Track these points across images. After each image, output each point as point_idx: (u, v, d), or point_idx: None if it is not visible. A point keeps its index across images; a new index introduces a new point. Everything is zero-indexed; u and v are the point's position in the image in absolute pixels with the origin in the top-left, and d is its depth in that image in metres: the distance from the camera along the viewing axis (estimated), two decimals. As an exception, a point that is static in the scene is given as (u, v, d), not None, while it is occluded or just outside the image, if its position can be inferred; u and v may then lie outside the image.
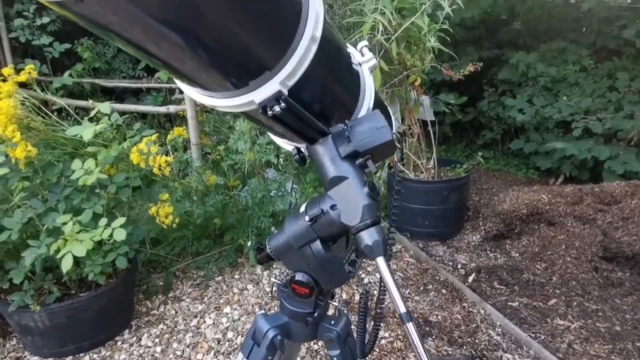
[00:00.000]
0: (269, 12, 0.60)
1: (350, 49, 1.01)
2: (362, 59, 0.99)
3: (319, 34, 0.68)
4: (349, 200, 0.83)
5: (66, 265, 1.50)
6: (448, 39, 2.59)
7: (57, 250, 1.54)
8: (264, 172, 2.79)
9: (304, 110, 0.78)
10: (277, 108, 0.69)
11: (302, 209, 0.89)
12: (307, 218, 0.84)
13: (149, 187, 2.20)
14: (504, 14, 4.85)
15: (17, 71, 1.92)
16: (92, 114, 1.91)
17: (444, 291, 2.37)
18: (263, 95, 0.68)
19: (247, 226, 2.46)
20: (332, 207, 0.85)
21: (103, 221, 1.65)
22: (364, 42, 1.03)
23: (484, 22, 4.93)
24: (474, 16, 4.28)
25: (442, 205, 2.85)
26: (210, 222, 2.55)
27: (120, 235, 1.60)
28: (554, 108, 3.87)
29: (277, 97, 0.68)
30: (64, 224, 1.57)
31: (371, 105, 0.98)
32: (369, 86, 0.98)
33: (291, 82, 0.69)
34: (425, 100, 3.44)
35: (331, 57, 0.81)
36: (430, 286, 2.43)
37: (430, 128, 3.00)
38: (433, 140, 2.99)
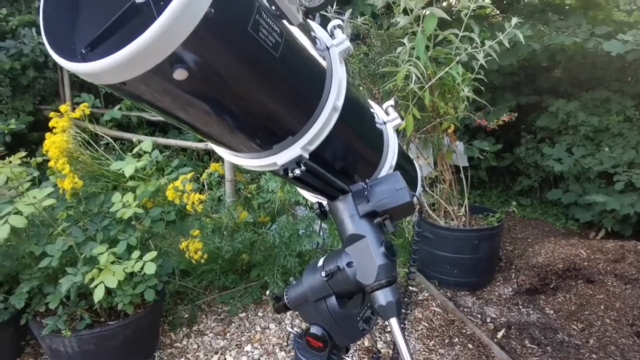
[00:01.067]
0: (294, 85, 0.65)
1: (375, 108, 1.06)
2: (387, 117, 1.03)
3: (340, 103, 0.73)
4: (365, 259, 0.85)
5: (98, 295, 1.57)
6: (483, 88, 2.61)
7: (92, 280, 1.61)
8: (293, 210, 2.84)
9: (324, 171, 0.82)
10: (297, 171, 0.72)
11: (320, 262, 0.92)
12: (323, 274, 0.86)
13: (182, 220, 2.29)
14: (544, 62, 4.82)
15: (73, 107, 2.08)
16: (135, 150, 2.03)
17: (470, 346, 2.28)
18: (285, 159, 0.73)
19: (273, 264, 2.49)
20: (349, 264, 0.87)
21: (136, 254, 1.73)
22: (390, 102, 1.07)
23: (523, 69, 4.91)
24: (513, 63, 4.28)
25: (472, 254, 2.78)
26: (238, 257, 2.60)
27: (151, 269, 1.67)
28: (595, 159, 3.75)
29: (298, 161, 0.72)
30: (100, 254, 1.66)
31: (394, 162, 1.01)
32: (392, 144, 1.01)
33: (313, 147, 0.73)
34: (459, 146, 3.43)
35: (354, 120, 0.85)
36: (456, 339, 2.34)
37: (462, 174, 2.98)
38: (465, 187, 2.95)
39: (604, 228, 3.72)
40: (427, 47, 2.40)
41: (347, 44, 0.74)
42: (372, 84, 2.49)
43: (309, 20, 0.78)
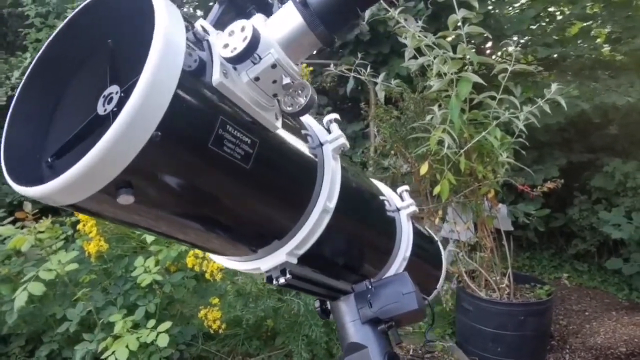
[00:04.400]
0: (273, 191, 0.60)
1: (387, 193, 0.98)
2: (401, 204, 0.95)
3: (332, 204, 0.66)
4: (366, 374, 0.75)
5: (108, 367, 1.53)
6: (524, 152, 2.47)
7: (105, 348, 1.58)
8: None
9: (321, 273, 0.75)
10: (282, 280, 0.66)
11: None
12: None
13: (205, 282, 2.25)
14: (596, 119, 4.57)
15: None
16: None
17: None
18: (269, 265, 0.66)
19: (298, 333, 2.37)
20: (348, 377, 0.77)
21: (151, 323, 1.69)
22: (405, 187, 0.99)
23: (573, 125, 4.66)
24: (560, 121, 4.08)
25: (517, 331, 2.52)
26: (262, 323, 2.51)
27: (164, 341, 1.61)
28: (659, 225, 3.40)
29: (282, 269, 0.65)
30: (116, 322, 1.63)
31: (408, 254, 0.91)
32: (405, 233, 0.92)
33: (302, 251, 0.67)
34: (502, 209, 3.24)
35: (356, 214, 0.78)
36: None
37: (505, 240, 2.77)
38: (508, 254, 2.73)
39: (675, 304, 3.30)
40: (462, 110, 2.32)
41: (342, 140, 0.68)
42: (404, 147, 2.43)
43: (304, 117, 0.74)
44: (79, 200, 0.43)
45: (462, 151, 2.24)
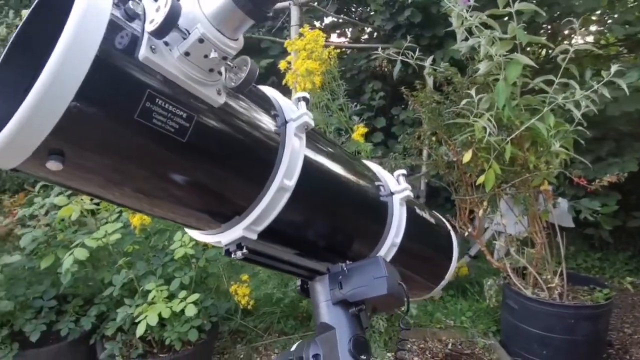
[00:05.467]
0: (220, 166, 0.61)
1: (383, 177, 0.96)
2: (395, 187, 0.93)
3: (291, 183, 0.66)
4: (331, 354, 0.75)
5: (140, 330, 1.66)
6: (583, 142, 2.25)
7: (140, 313, 1.72)
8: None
9: (287, 251, 0.76)
10: (239, 254, 0.67)
11: (293, 348, 0.84)
12: (291, 364, 0.79)
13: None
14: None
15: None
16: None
17: None
18: (228, 239, 0.68)
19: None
20: (315, 356, 0.77)
21: (182, 293, 1.80)
22: (401, 171, 0.97)
23: (661, 114, 4.14)
24: (640, 110, 3.63)
25: (566, 335, 2.34)
26: (299, 303, 2.56)
27: (191, 311, 1.72)
28: None
29: (238, 244, 0.67)
30: (151, 290, 1.76)
31: (398, 240, 0.89)
32: (397, 218, 0.90)
33: (261, 227, 0.68)
34: (562, 203, 3.00)
35: (324, 195, 0.77)
36: None
37: (559, 237, 2.56)
38: (561, 251, 2.52)
39: None
40: (512, 96, 2.17)
41: (306, 118, 0.68)
42: (446, 134, 2.32)
43: (270, 91, 0.74)
44: (14, 165, 0.47)
45: (508, 139, 2.10)
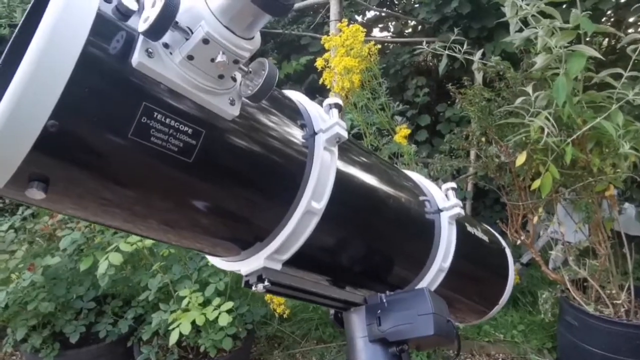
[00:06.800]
0: (236, 188, 0.52)
1: (430, 192, 0.84)
2: (444, 204, 0.81)
3: (320, 205, 0.56)
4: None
5: (173, 338, 1.63)
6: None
7: (174, 319, 1.69)
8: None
9: (318, 282, 0.66)
10: (260, 286, 0.58)
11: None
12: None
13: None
14: None
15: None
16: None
17: None
18: (248, 269, 0.60)
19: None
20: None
21: (217, 300, 1.76)
22: (451, 184, 0.84)
23: None
24: None
25: (635, 357, 2.10)
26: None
27: (224, 320, 1.66)
28: None
29: (259, 275, 0.58)
30: (185, 297, 1.73)
31: (447, 264, 0.78)
32: (445, 239, 0.78)
33: (285, 257, 0.59)
34: (629, 209, 2.72)
35: (360, 218, 0.67)
36: None
37: (626, 248, 2.31)
38: (629, 263, 2.27)
39: None
40: (574, 92, 1.96)
41: (337, 129, 0.58)
42: (497, 134, 2.13)
43: (296, 96, 0.65)
44: None
45: (569, 140, 1.89)
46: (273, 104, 0.57)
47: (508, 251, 1.00)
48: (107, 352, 2.07)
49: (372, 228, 0.69)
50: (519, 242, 2.34)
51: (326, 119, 0.60)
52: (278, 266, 0.58)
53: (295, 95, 0.64)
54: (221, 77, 0.44)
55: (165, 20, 0.38)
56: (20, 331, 1.89)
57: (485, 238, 0.93)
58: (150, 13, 0.39)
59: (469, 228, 0.88)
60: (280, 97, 0.61)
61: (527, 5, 1.91)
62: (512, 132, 2.06)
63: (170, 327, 1.66)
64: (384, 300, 0.68)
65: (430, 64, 4.30)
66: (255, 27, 0.43)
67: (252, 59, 0.47)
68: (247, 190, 0.53)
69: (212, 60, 0.42)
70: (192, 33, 0.41)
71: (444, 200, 0.80)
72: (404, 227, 0.75)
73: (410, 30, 4.77)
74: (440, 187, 0.85)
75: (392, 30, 4.89)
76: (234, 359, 2.02)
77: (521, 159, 2.06)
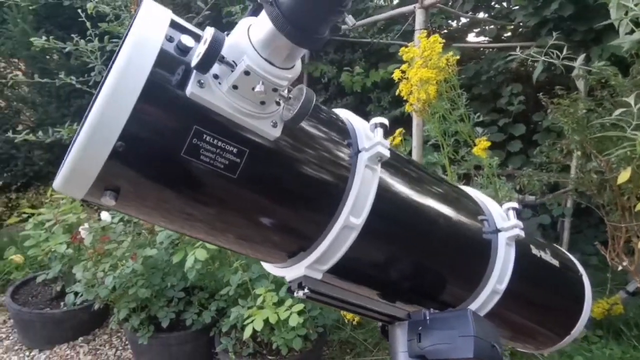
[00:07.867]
0: (277, 203, 0.58)
1: (490, 211, 0.82)
2: (502, 224, 0.79)
3: (359, 220, 0.60)
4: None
5: (247, 332, 1.74)
6: None
7: (249, 316, 1.81)
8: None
9: (360, 293, 0.69)
10: (300, 293, 0.63)
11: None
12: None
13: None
14: None
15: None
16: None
17: None
18: (291, 276, 0.65)
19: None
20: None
21: (289, 301, 1.84)
22: (512, 204, 0.82)
23: None
24: None
25: None
26: (412, 322, 2.42)
27: (294, 320, 1.74)
28: None
29: (299, 283, 0.63)
30: (260, 295, 1.84)
31: (502, 286, 0.76)
32: (500, 260, 0.76)
33: (326, 267, 0.63)
34: None
35: (405, 234, 0.68)
36: None
37: None
38: None
39: None
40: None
41: (379, 149, 0.61)
42: (595, 148, 1.93)
43: (344, 114, 0.68)
44: (79, 197, 0.50)
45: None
46: (322, 123, 0.62)
47: (585, 278, 0.93)
48: (192, 339, 2.27)
49: (419, 245, 0.70)
50: (620, 267, 2.09)
51: (371, 137, 0.62)
52: (319, 275, 0.62)
53: (344, 114, 0.68)
54: (263, 103, 0.50)
55: (211, 56, 0.44)
56: (123, 312, 2.17)
57: (555, 262, 0.88)
58: (201, 49, 0.45)
59: (534, 251, 0.84)
60: (330, 117, 0.65)
61: (636, 5, 1.71)
62: (615, 146, 1.86)
63: (245, 322, 1.78)
64: (427, 318, 0.68)
65: (530, 69, 4.02)
66: (294, 58, 0.48)
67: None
68: (286, 205, 0.58)
69: (253, 89, 0.47)
70: (236, 65, 0.47)
71: (504, 220, 0.77)
72: (456, 246, 0.74)
73: (509, 34, 4.50)
74: (501, 205, 0.82)
75: (488, 34, 4.65)
76: (305, 359, 2.09)
77: (625, 175, 1.84)
